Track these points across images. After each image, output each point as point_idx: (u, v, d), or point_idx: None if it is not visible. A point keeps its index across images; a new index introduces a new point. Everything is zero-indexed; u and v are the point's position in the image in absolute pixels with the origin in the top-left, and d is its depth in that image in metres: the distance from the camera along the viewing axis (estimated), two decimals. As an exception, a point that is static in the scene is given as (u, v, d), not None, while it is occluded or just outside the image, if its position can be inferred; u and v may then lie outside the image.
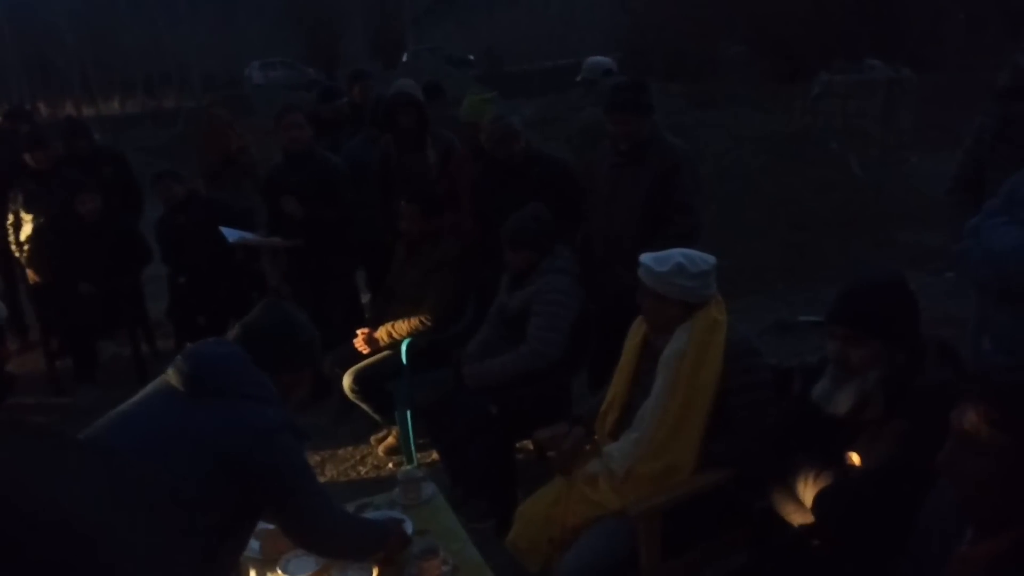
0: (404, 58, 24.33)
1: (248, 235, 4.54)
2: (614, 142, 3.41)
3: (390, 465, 3.86)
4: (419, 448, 3.78)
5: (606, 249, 3.37)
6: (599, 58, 5.22)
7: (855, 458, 1.92)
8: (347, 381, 3.80)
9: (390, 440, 4.02)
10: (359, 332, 3.89)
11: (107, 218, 5.04)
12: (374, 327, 3.90)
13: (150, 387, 1.96)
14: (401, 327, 3.81)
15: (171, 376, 1.89)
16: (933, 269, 5.12)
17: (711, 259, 2.44)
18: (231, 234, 4.42)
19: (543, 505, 2.54)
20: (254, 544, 2.27)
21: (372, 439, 4.13)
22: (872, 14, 14.85)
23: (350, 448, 4.13)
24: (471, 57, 24.18)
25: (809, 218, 4.13)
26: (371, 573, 2.16)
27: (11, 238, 5.16)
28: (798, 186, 6.39)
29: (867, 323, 1.90)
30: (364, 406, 3.86)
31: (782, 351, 3.97)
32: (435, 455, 3.59)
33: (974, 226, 2.14)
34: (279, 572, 2.19)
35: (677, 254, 2.41)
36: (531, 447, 3.42)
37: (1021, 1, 13.49)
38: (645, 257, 2.43)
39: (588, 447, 2.62)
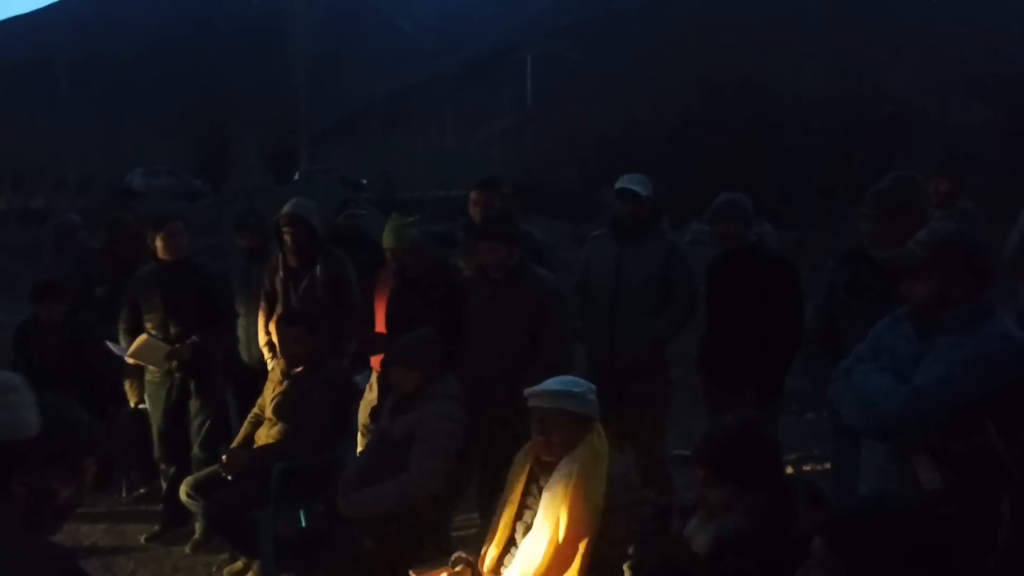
0: (296, 176, 24.45)
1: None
2: (485, 271, 3.52)
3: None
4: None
5: (483, 375, 3.40)
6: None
7: None
8: (184, 488, 3.60)
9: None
10: (224, 454, 3.66)
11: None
12: (241, 451, 3.69)
13: None
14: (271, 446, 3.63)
15: None
16: (795, 411, 5.41)
17: (591, 384, 2.54)
18: (120, 349, 4.18)
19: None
20: None
21: (225, 571, 3.80)
22: (737, 172, 16.35)
23: (209, 582, 3.78)
24: (364, 181, 24.55)
25: (683, 355, 4.32)
26: None
27: None
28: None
29: (722, 466, 1.98)
30: (198, 512, 3.60)
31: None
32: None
33: (844, 370, 2.29)
34: None
35: (558, 380, 2.51)
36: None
37: (862, 174, 15.26)
38: (532, 388, 2.47)
39: None
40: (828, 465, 3.77)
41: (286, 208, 4.16)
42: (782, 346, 3.66)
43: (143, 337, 4.13)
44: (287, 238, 4.09)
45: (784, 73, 19.28)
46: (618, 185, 3.94)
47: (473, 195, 4.19)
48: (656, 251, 3.88)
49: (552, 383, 2.49)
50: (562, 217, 15.88)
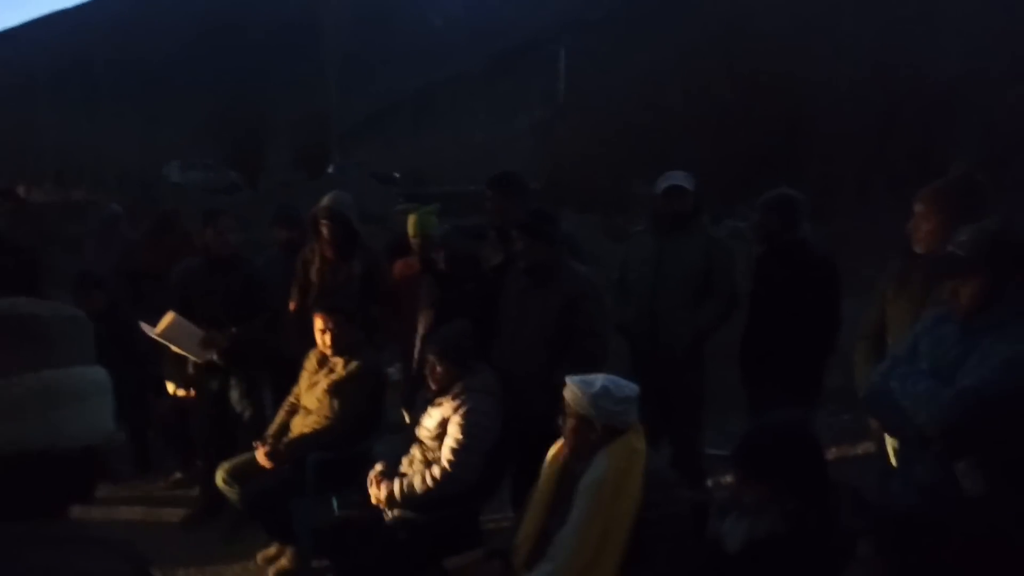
0: (329, 170, 24.60)
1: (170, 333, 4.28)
2: (519, 261, 3.52)
3: (284, 591, 3.58)
4: (316, 572, 3.54)
5: (515, 371, 3.39)
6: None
7: None
8: (220, 474, 3.65)
9: (283, 562, 3.75)
10: (258, 445, 3.70)
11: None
12: (277, 440, 3.73)
13: None
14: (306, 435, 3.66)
15: None
16: (833, 410, 5.32)
17: (635, 387, 2.46)
18: (152, 329, 4.21)
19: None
20: None
21: (259, 556, 3.85)
22: (772, 166, 16.11)
23: (239, 569, 3.82)
24: (396, 175, 24.67)
25: (717, 350, 4.28)
26: None
27: None
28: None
29: (756, 467, 1.95)
30: (233, 496, 3.65)
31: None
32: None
33: (882, 373, 2.24)
34: None
35: (602, 378, 2.44)
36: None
37: (903, 169, 14.92)
38: (572, 379, 2.44)
39: None
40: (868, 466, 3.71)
41: (325, 201, 4.19)
42: (820, 346, 3.62)
43: (171, 315, 4.17)
44: (324, 231, 4.11)
45: (819, 62, 18.88)
46: (666, 184, 3.93)
47: (488, 193, 4.11)
48: (698, 246, 3.87)
49: (596, 382, 2.43)
50: (591, 211, 15.78)
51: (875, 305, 2.92)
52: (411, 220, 4.40)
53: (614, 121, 21.52)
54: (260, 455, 3.66)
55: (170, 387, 4.60)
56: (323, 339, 3.78)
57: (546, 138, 23.45)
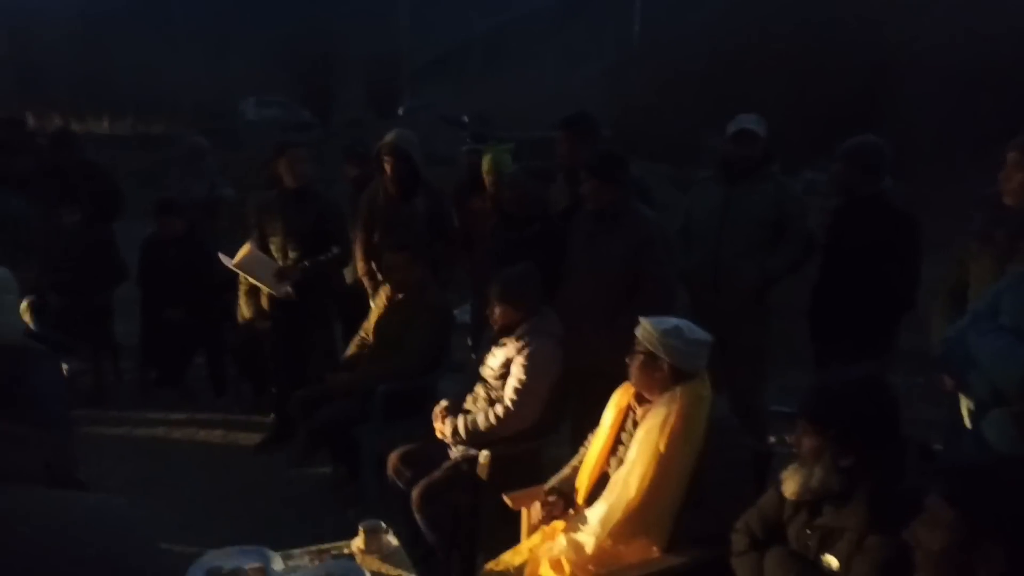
0: (399, 111, 24.63)
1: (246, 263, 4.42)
2: (586, 203, 3.48)
3: (350, 515, 3.74)
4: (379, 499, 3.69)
5: (580, 315, 3.39)
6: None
7: (832, 562, 1.91)
8: (293, 402, 3.84)
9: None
10: (329, 375, 3.82)
11: (86, 231, 4.98)
12: (349, 371, 3.87)
13: None
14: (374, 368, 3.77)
15: None
16: (906, 372, 5.19)
17: (708, 335, 2.46)
18: (226, 259, 4.37)
19: (507, 571, 2.48)
20: None
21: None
22: (850, 121, 15.44)
23: (306, 490, 4.01)
24: (465, 118, 24.56)
25: (785, 307, 4.19)
26: None
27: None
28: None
29: (820, 416, 1.93)
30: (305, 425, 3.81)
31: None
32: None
33: (962, 328, 2.18)
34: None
35: (675, 319, 2.44)
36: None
37: (990, 128, 14.08)
38: (646, 318, 2.45)
39: (566, 514, 2.56)
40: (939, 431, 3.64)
41: (388, 137, 4.22)
42: (895, 304, 3.51)
43: (247, 247, 4.31)
44: (388, 167, 4.15)
45: (906, 11, 17.81)
46: (736, 127, 3.80)
47: (558, 134, 4.07)
48: (767, 194, 3.74)
49: (670, 321, 2.44)
50: (662, 160, 15.44)
51: (956, 260, 2.81)
52: (486, 158, 4.41)
53: (689, 69, 20.87)
54: (330, 385, 3.80)
55: (243, 316, 4.78)
56: (391, 275, 3.86)
57: (618, 84, 22.92)
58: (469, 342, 4.62)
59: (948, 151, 14.76)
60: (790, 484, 1.97)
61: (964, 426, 2.34)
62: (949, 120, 16.10)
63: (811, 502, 1.96)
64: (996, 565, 1.34)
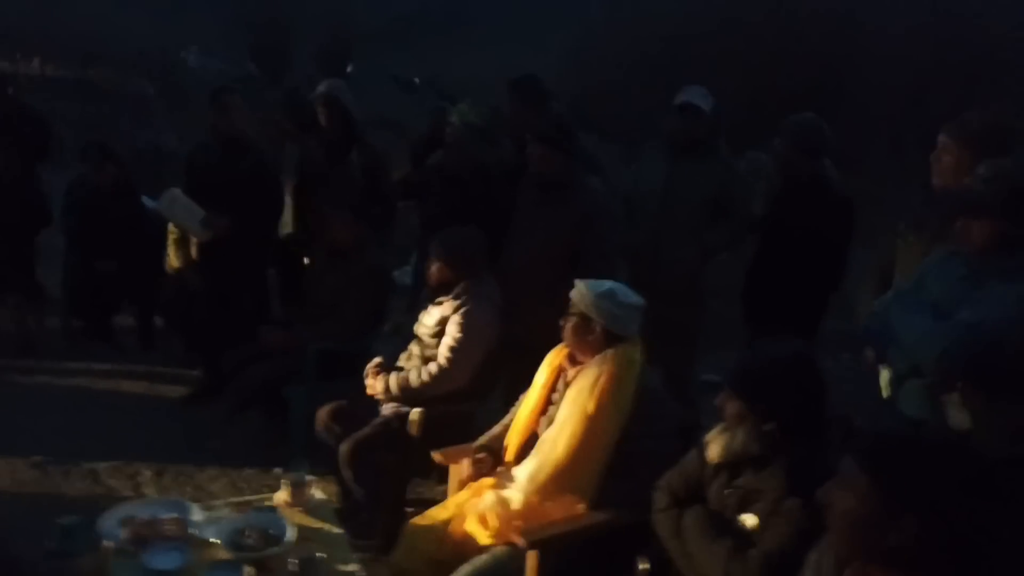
0: (348, 69, 24.08)
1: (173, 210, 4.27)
2: (534, 172, 3.44)
3: (276, 469, 3.69)
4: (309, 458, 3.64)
5: (521, 284, 3.37)
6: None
7: (748, 520, 1.95)
8: (223, 358, 3.79)
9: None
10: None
11: (17, 178, 4.74)
12: (286, 330, 3.79)
13: None
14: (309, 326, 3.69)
15: None
16: (834, 352, 5.33)
17: (641, 300, 2.48)
18: (151, 203, 4.22)
19: (432, 526, 2.47)
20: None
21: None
22: (802, 105, 15.64)
23: (235, 450, 3.94)
24: (416, 80, 24.13)
25: (723, 287, 4.24)
26: (243, 574, 2.05)
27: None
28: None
29: (738, 382, 1.98)
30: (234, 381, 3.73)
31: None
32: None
33: (886, 303, 2.23)
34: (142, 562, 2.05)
35: (610, 282, 2.45)
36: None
37: (936, 123, 14.40)
38: (580, 280, 2.45)
39: (495, 471, 2.57)
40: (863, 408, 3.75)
41: (321, 88, 4.10)
42: (823, 286, 3.57)
43: (173, 191, 4.17)
44: (322, 118, 4.04)
45: (864, 6, 18.08)
46: (679, 99, 3.77)
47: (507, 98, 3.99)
48: (712, 171, 3.72)
49: (604, 284, 2.45)
50: (619, 139, 15.47)
51: (889, 240, 2.87)
52: (457, 108, 4.27)
53: (648, 48, 20.89)
54: (263, 342, 3.72)
55: (172, 266, 4.63)
56: (328, 234, 3.78)
57: (577, 61, 22.80)
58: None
59: (897, 151, 15.11)
60: (714, 447, 2.00)
61: (882, 400, 2.40)
62: (903, 114, 16.47)
63: (732, 464, 2.00)
64: (907, 532, 1.36)
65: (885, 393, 2.36)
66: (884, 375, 2.38)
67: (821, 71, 17.72)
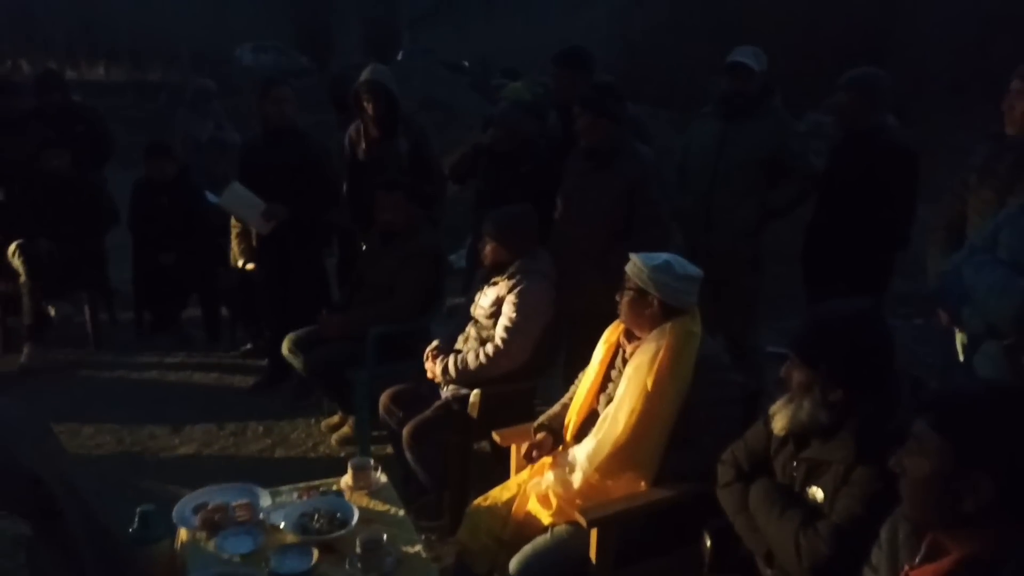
0: (399, 56, 24.23)
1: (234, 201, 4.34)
2: (581, 139, 3.39)
3: (343, 454, 3.76)
4: (374, 441, 3.70)
5: (573, 255, 3.34)
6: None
7: (817, 494, 1.89)
8: (286, 344, 3.77)
9: (345, 430, 3.93)
10: (322, 317, 3.79)
11: (76, 176, 4.92)
12: (343, 313, 3.83)
13: None
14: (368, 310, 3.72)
15: None
16: (903, 314, 5.16)
17: (698, 271, 2.41)
18: (213, 198, 4.32)
19: (495, 506, 2.48)
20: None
21: (323, 424, 4.05)
22: (862, 61, 15.09)
23: (303, 433, 4.03)
24: (466, 63, 24.12)
25: (787, 252, 4.13)
26: (312, 556, 2.09)
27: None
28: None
29: (804, 349, 1.89)
30: (297, 365, 3.76)
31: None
32: (389, 449, 3.50)
33: (958, 261, 2.12)
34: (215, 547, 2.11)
35: (666, 255, 2.39)
36: (487, 447, 3.36)
37: (1000, 71, 13.68)
38: (636, 254, 2.40)
39: (555, 451, 2.55)
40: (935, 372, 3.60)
41: (364, 75, 4.09)
42: (888, 242, 3.44)
43: (233, 184, 4.25)
44: (368, 106, 4.04)
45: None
46: (730, 59, 3.67)
47: (553, 69, 3.93)
48: (765, 130, 3.63)
49: (659, 257, 2.39)
50: (666, 105, 15.17)
51: (955, 192, 2.73)
52: (509, 87, 4.25)
53: (697, 12, 20.41)
54: (322, 328, 3.78)
55: (235, 259, 4.75)
56: (381, 216, 3.80)
57: (622, 28, 22.42)
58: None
59: (959, 101, 14.46)
60: (779, 419, 1.94)
61: (958, 362, 2.30)
62: (961, 60, 15.73)
63: (799, 435, 1.93)
64: (984, 494, 1.29)
65: (961, 357, 2.26)
66: (959, 338, 2.28)
67: (878, 27, 17.03)
